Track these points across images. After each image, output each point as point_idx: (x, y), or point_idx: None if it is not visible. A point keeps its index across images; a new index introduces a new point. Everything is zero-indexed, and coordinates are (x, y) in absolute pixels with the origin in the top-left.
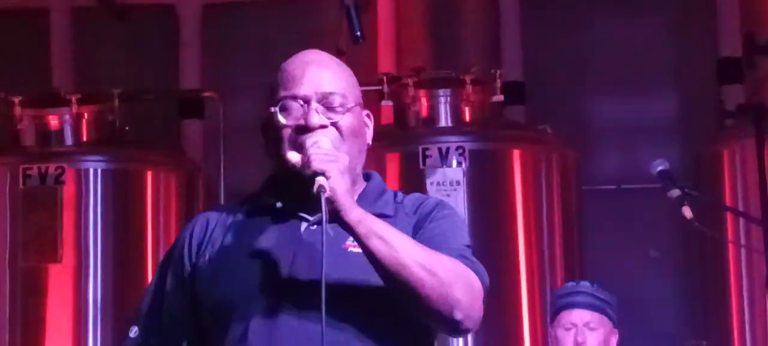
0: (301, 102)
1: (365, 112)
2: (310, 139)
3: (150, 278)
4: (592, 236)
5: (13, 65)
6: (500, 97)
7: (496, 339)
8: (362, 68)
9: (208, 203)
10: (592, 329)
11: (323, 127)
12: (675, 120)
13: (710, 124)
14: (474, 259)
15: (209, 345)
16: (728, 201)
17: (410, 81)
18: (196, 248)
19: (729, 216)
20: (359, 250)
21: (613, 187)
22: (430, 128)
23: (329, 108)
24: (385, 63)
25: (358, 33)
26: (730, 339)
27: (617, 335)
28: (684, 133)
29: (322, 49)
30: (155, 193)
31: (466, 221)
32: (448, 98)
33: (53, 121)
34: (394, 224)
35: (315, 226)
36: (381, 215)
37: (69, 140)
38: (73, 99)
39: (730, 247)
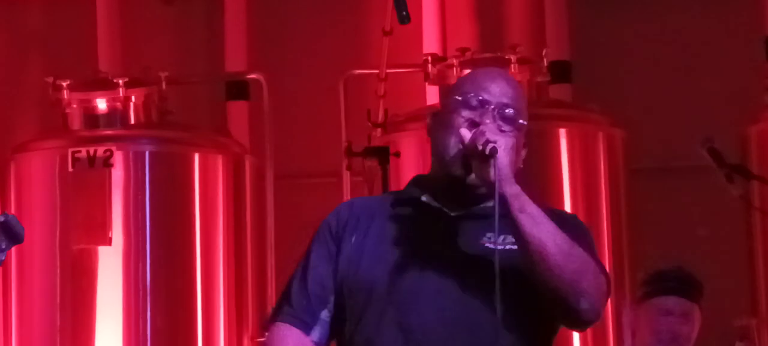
0: (484, 104)
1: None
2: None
3: (198, 260)
4: (639, 214)
5: (60, 50)
6: (546, 77)
7: None
8: (407, 49)
9: (255, 186)
10: (688, 320)
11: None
12: (722, 98)
13: (759, 102)
14: (604, 267)
15: (349, 322)
16: None
17: (455, 61)
18: (343, 230)
19: None
20: (494, 247)
21: (660, 165)
22: None
23: (504, 119)
24: (430, 43)
25: (405, 13)
26: None
27: None
28: (731, 111)
29: (369, 28)
30: (203, 175)
31: None
32: None
33: (101, 105)
34: None
35: (456, 218)
36: None
37: (117, 124)
38: (121, 82)
39: None
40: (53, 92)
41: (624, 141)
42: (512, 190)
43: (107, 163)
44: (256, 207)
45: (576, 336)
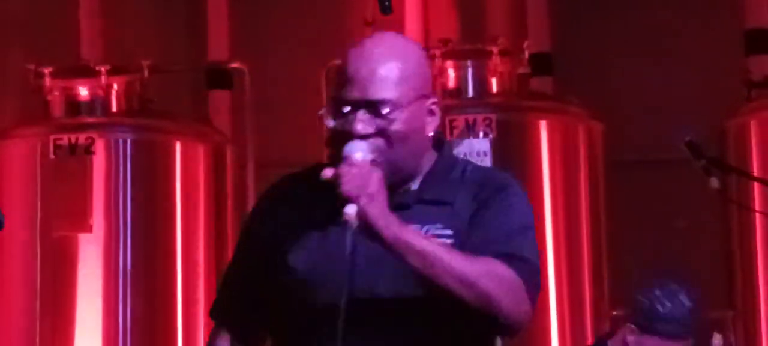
0: (349, 107)
1: (431, 100)
2: (346, 149)
3: (178, 248)
4: (618, 206)
5: (42, 37)
6: (527, 69)
7: None
8: None
9: (237, 175)
10: None
11: (365, 137)
12: (702, 91)
13: (737, 96)
14: (525, 255)
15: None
16: (755, 172)
17: (438, 52)
18: (260, 217)
19: (756, 186)
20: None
21: (639, 158)
22: (457, 99)
23: (377, 115)
24: (413, 34)
25: (387, 3)
26: (756, 309)
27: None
28: (711, 104)
29: (351, 18)
30: (184, 164)
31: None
32: (475, 70)
33: (83, 93)
34: (452, 214)
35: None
36: (440, 202)
37: (98, 111)
38: (103, 70)
39: (757, 217)
40: (35, 79)
41: (604, 133)
42: (389, 234)
43: (88, 151)
44: (237, 196)
45: (554, 328)
